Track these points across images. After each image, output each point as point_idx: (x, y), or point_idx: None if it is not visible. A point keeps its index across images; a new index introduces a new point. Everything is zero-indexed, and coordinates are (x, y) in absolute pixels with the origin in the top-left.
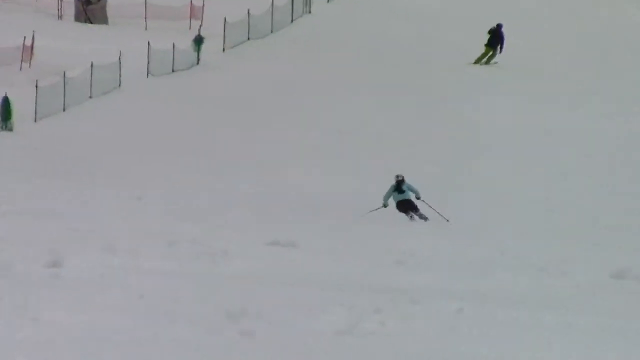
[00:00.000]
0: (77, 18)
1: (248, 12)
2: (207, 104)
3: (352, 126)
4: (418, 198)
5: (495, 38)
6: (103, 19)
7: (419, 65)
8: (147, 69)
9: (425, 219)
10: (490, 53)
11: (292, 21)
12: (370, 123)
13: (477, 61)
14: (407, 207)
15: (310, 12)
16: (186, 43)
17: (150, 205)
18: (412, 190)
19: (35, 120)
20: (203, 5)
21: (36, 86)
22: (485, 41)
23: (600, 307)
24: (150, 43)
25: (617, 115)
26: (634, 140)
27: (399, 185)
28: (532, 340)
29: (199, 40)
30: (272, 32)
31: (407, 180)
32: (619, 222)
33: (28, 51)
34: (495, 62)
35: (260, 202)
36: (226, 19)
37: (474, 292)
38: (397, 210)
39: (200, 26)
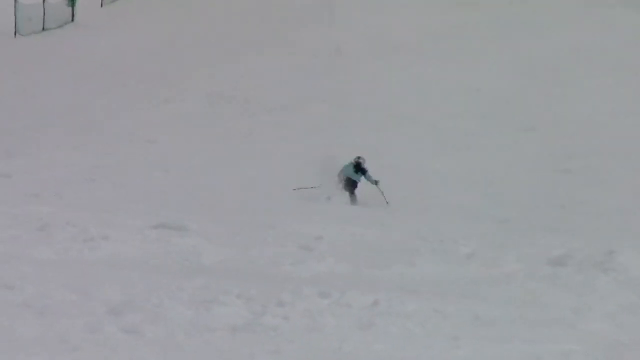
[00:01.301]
0: None
1: None
2: (84, 69)
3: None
4: (376, 182)
5: None
6: None
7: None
8: (15, 27)
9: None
10: None
11: None
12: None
13: None
14: (351, 185)
15: None
16: None
17: (16, 184)
18: (368, 178)
19: None
20: None
21: None
22: None
23: (530, 298)
24: None
25: None
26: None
27: (359, 166)
28: (453, 337)
29: None
30: None
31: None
32: (555, 202)
33: None
34: None
35: (139, 180)
36: None
37: (391, 283)
38: (342, 185)
39: None
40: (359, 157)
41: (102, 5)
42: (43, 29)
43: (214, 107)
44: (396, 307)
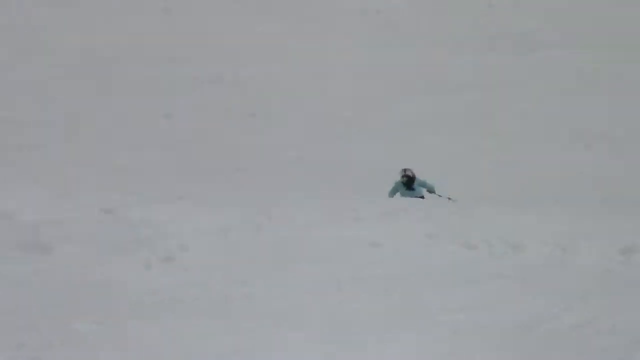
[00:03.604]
0: None
1: None
2: None
3: None
4: (432, 192)
5: None
6: None
7: None
8: None
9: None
10: None
11: None
12: None
13: None
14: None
15: None
16: None
17: None
18: (424, 186)
19: None
20: None
21: None
22: None
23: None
24: None
25: None
26: None
27: (409, 184)
28: None
29: None
30: None
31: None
32: None
33: None
34: None
35: None
36: None
37: None
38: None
39: None
40: (405, 170)
41: None
42: None
43: None
44: None
